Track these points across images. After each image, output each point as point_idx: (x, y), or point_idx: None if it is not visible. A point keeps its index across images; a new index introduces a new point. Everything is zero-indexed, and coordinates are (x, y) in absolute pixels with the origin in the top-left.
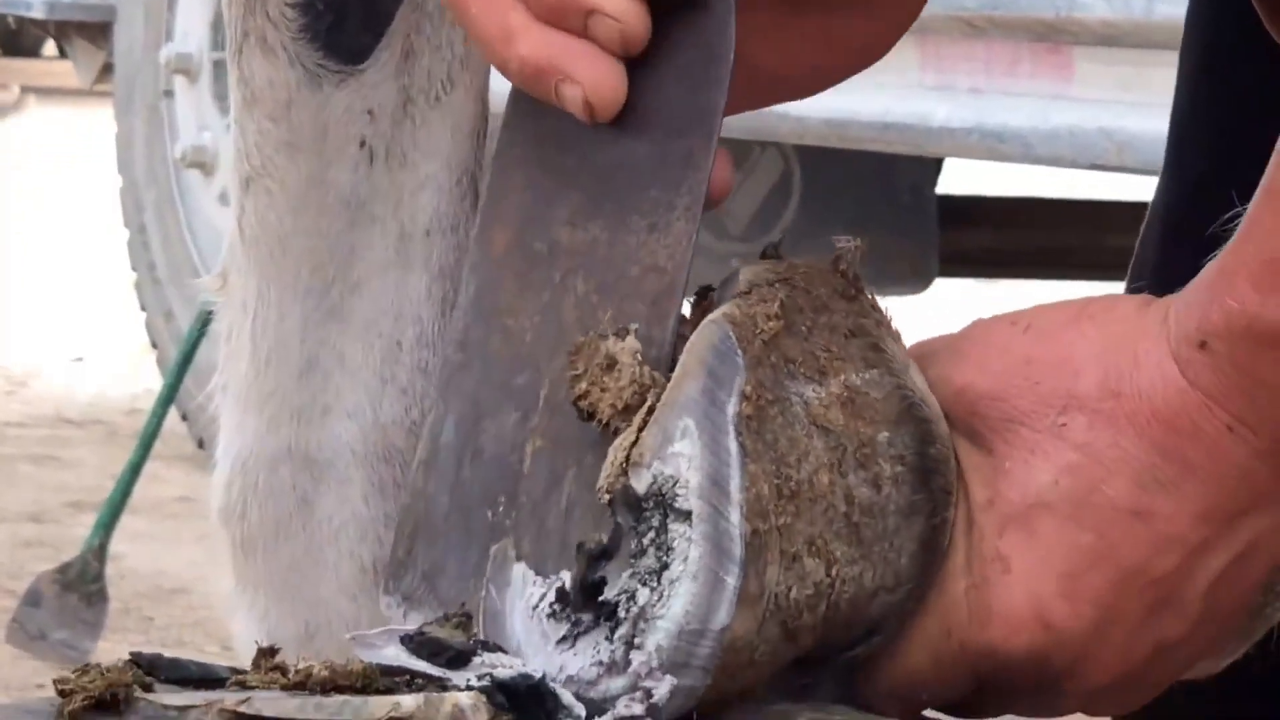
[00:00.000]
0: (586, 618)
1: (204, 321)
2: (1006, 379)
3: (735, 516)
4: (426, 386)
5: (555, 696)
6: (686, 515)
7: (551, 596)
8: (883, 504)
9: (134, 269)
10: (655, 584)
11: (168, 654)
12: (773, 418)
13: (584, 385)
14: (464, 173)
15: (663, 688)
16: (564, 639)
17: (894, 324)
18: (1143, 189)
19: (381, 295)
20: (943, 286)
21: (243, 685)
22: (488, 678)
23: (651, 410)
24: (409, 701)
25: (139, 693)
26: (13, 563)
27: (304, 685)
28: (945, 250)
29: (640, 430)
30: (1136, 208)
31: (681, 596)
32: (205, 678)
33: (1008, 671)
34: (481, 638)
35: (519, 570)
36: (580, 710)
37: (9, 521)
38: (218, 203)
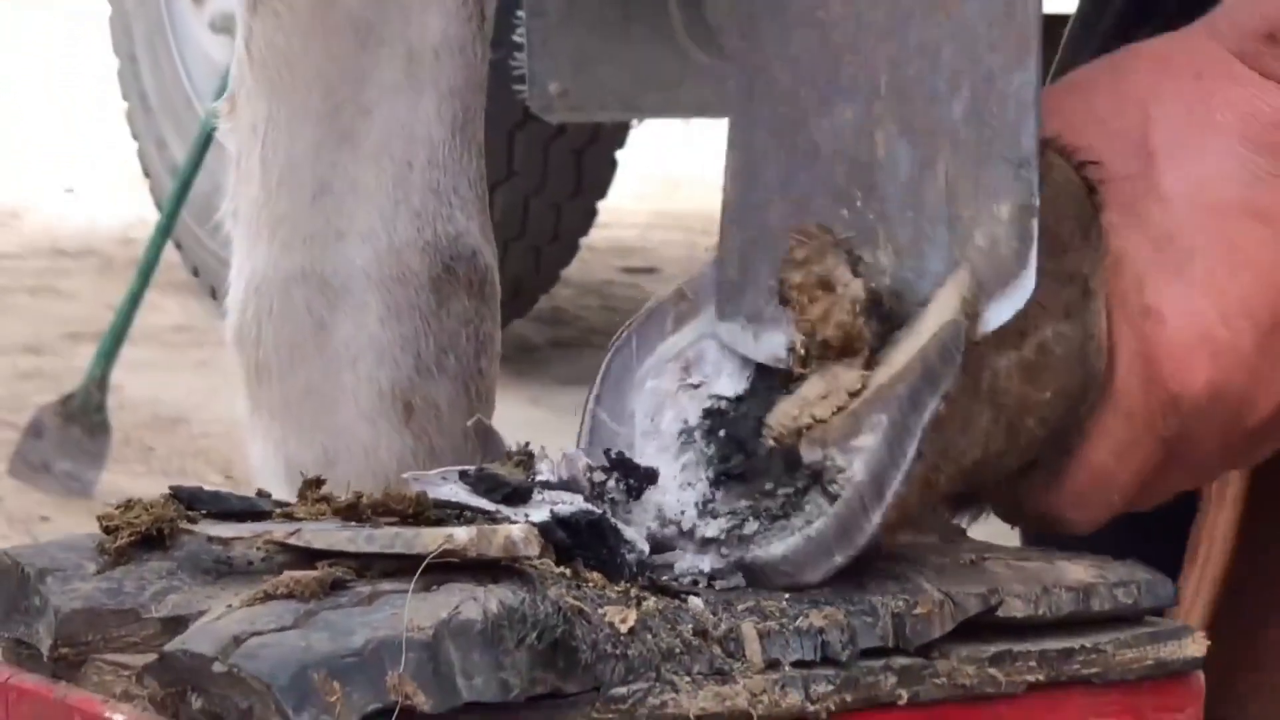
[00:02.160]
0: (724, 478)
1: (200, 150)
2: (1079, 131)
3: (877, 518)
4: (439, 207)
5: (617, 532)
6: (833, 498)
7: (695, 413)
8: (1008, 452)
9: (125, 98)
10: (768, 526)
11: (170, 483)
12: (955, 400)
13: (796, 277)
14: None
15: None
16: (686, 471)
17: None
18: None
19: (392, 117)
20: None
21: (289, 517)
22: (548, 513)
23: (855, 395)
24: (462, 534)
25: (185, 525)
26: (12, 395)
27: (355, 512)
28: None
29: (834, 411)
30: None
31: (782, 546)
32: (249, 510)
33: (1193, 425)
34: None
35: (671, 348)
36: (643, 545)
37: (8, 354)
38: (209, 30)
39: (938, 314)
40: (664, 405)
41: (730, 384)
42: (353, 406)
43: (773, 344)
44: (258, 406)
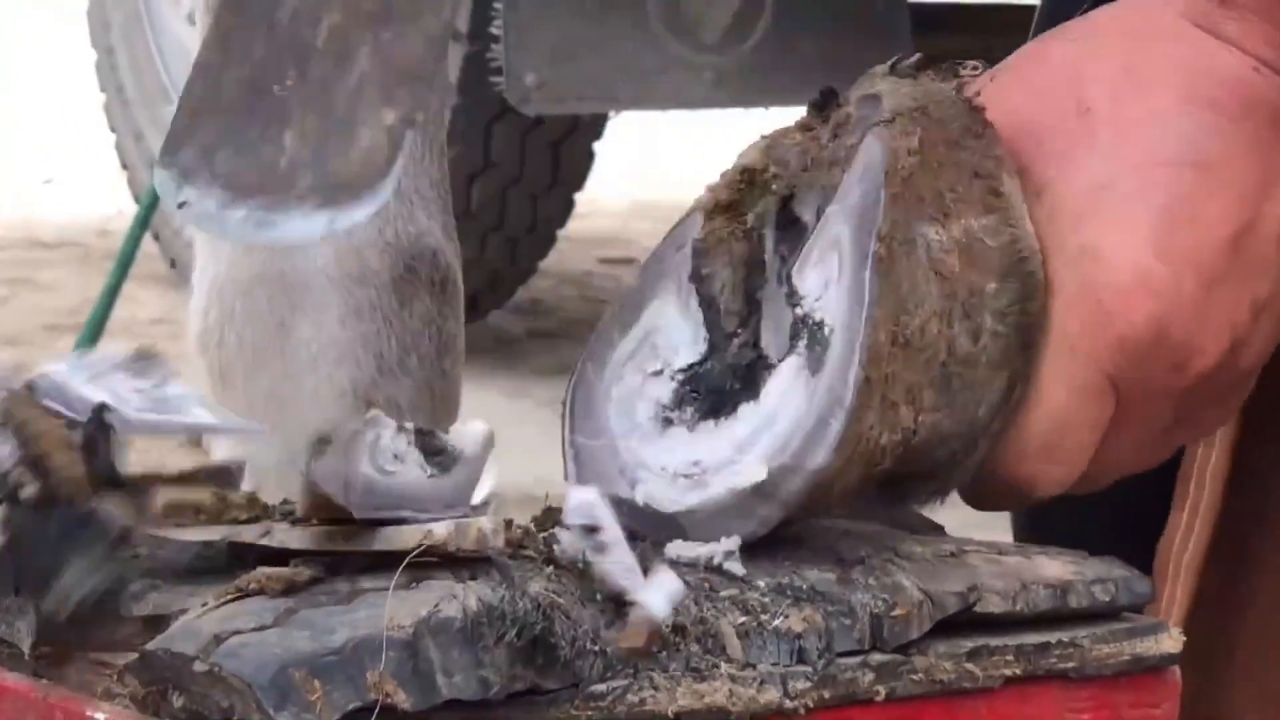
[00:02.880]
0: (699, 414)
1: None
2: (1016, 104)
3: (855, 360)
4: (400, 207)
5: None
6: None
7: (666, 392)
8: (977, 355)
9: (103, 90)
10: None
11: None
12: (899, 260)
13: None
14: None
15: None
16: (670, 442)
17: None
18: None
19: None
20: None
21: (256, 519)
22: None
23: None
24: (439, 530)
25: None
26: None
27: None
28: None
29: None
30: None
31: (787, 421)
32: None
33: (1141, 363)
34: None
35: (624, 353)
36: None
37: None
38: (186, 23)
39: None
40: (635, 402)
41: (689, 352)
42: (314, 406)
43: (187, 198)
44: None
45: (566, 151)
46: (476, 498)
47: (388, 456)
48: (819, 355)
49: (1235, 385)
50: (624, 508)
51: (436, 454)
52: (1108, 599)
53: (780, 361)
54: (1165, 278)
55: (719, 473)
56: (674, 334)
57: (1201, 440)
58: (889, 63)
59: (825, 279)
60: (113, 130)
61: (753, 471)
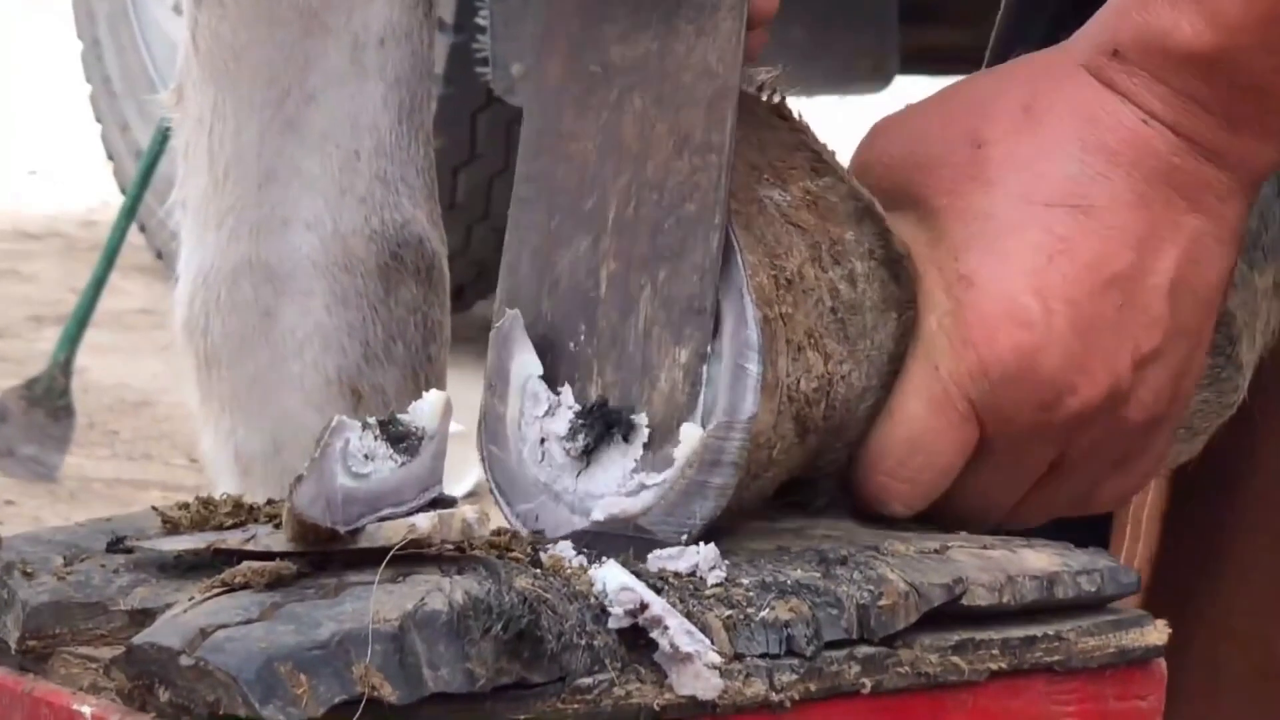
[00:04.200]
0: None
1: (165, 133)
2: (918, 135)
3: (748, 301)
4: (385, 195)
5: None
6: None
7: (564, 426)
8: (859, 299)
9: (88, 81)
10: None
11: (135, 467)
12: (754, 215)
13: None
14: None
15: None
16: (586, 458)
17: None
18: None
19: (337, 106)
20: (904, 84)
21: (241, 524)
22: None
23: None
24: (424, 522)
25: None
26: None
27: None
28: (907, 47)
29: None
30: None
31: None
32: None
33: (1004, 392)
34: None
35: (513, 418)
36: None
37: None
38: (172, 13)
39: None
40: (546, 449)
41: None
42: (300, 394)
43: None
44: (208, 397)
45: None
46: (461, 489)
47: (359, 459)
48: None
49: (1133, 445)
50: (587, 538)
51: (402, 440)
52: (1094, 590)
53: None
54: (1035, 312)
55: (656, 464)
56: (539, 379)
57: (1117, 508)
58: None
59: None
60: (98, 121)
61: (689, 436)
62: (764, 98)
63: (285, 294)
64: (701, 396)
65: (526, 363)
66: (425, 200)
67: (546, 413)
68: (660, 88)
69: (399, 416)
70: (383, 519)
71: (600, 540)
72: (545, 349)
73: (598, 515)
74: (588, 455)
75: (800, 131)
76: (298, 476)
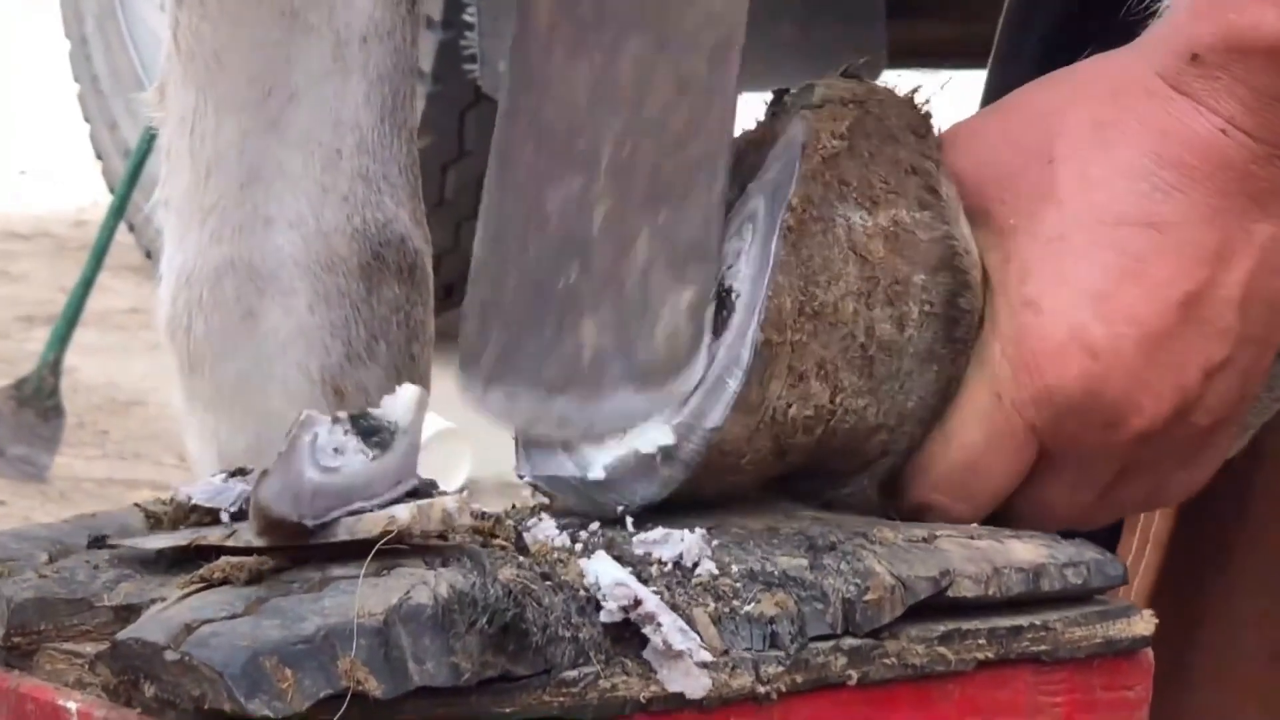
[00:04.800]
0: None
1: (152, 131)
2: (989, 148)
3: (754, 322)
4: (368, 193)
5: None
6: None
7: None
8: (903, 344)
9: (77, 80)
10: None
11: (125, 467)
12: (813, 234)
13: None
14: None
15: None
16: None
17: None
18: None
19: (319, 104)
20: (891, 78)
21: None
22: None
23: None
24: (403, 513)
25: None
26: None
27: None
28: (894, 41)
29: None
30: None
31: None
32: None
33: (1068, 419)
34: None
35: None
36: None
37: None
38: (159, 12)
39: None
40: None
41: None
42: (283, 394)
43: (495, 406)
44: (192, 397)
45: None
46: (454, 485)
47: (328, 453)
48: (724, 319)
49: (1199, 445)
50: (564, 485)
51: (374, 434)
52: (1080, 582)
53: None
54: (1102, 337)
55: (631, 433)
56: None
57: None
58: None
59: (739, 249)
60: (87, 121)
61: (658, 435)
62: (918, 104)
63: (268, 293)
64: (706, 341)
65: None
66: (408, 199)
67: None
68: (661, 31)
69: (371, 411)
70: (354, 512)
71: (576, 489)
72: (533, 288)
73: (573, 466)
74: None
75: (926, 154)
76: (263, 471)
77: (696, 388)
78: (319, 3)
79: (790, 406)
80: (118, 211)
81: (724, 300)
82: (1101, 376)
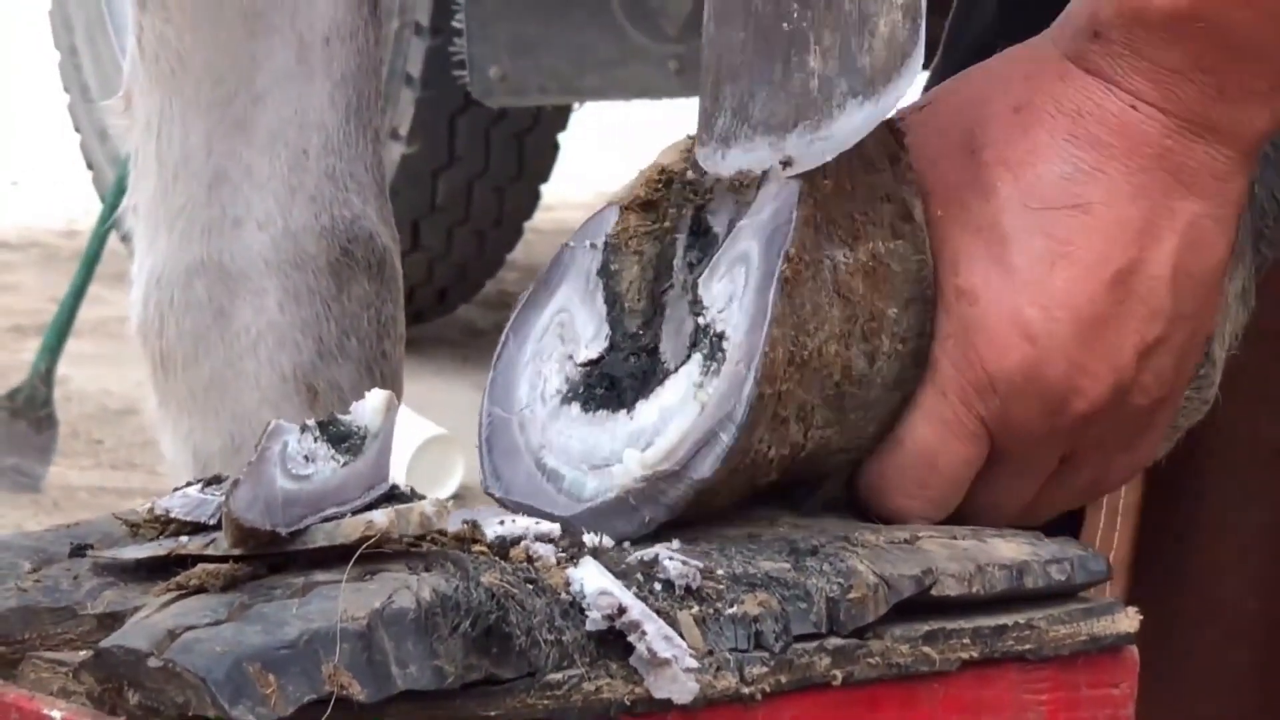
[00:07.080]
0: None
1: None
2: (919, 141)
3: (749, 379)
4: (335, 192)
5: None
6: (714, 361)
7: (571, 377)
8: (871, 376)
9: (66, 90)
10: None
11: (119, 476)
12: (804, 281)
13: None
14: None
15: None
16: (567, 409)
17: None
18: None
19: (284, 105)
20: None
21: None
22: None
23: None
24: (381, 518)
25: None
26: None
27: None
28: None
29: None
30: None
31: (671, 438)
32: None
33: (1012, 405)
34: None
35: (539, 329)
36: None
37: None
38: None
39: None
40: (545, 378)
41: (593, 345)
42: (256, 392)
43: (735, 161)
44: (165, 399)
45: (531, 144)
46: (445, 493)
47: (299, 461)
48: (715, 368)
49: (1140, 427)
50: (540, 513)
51: (344, 440)
52: (1064, 578)
53: (678, 368)
54: (1039, 323)
55: (607, 470)
56: (579, 323)
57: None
58: None
59: (730, 293)
60: (77, 130)
61: (632, 473)
62: (896, 126)
63: (238, 293)
64: (922, 31)
65: (573, 300)
66: (375, 196)
67: (567, 355)
68: None
69: (339, 417)
70: (327, 519)
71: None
72: (759, 40)
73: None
74: (567, 405)
75: (900, 178)
76: (233, 481)
77: (684, 439)
78: (282, 5)
79: (769, 448)
80: (108, 221)
81: (715, 347)
82: (1040, 361)
